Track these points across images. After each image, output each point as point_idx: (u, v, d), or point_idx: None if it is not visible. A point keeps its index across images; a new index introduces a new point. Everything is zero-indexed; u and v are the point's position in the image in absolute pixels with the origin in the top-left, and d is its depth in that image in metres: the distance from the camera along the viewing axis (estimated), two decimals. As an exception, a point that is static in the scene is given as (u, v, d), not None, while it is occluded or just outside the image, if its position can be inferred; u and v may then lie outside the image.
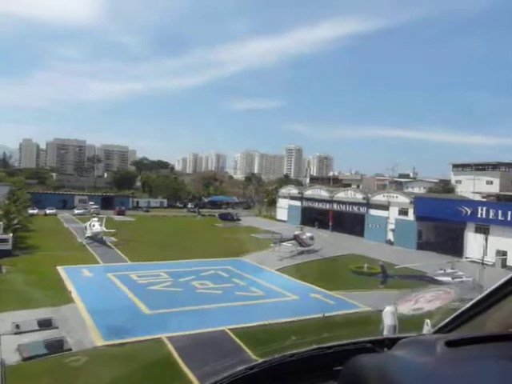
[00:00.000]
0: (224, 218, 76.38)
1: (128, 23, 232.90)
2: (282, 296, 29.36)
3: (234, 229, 67.77)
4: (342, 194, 68.05)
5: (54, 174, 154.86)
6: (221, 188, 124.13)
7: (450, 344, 1.35)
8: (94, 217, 54.01)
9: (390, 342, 1.68)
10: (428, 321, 6.48)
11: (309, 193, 77.34)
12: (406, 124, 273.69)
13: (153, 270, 35.22)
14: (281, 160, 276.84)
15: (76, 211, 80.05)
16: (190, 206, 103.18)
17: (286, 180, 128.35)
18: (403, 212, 56.54)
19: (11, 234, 39.40)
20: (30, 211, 75.97)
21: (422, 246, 52.65)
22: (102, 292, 28.02)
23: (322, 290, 30.93)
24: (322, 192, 73.23)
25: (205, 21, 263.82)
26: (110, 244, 46.79)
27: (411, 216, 55.12)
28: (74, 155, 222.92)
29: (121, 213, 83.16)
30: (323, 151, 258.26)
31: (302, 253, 47.07)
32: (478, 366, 1.25)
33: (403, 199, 57.27)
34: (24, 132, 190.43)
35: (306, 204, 76.08)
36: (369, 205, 62.19)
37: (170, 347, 19.17)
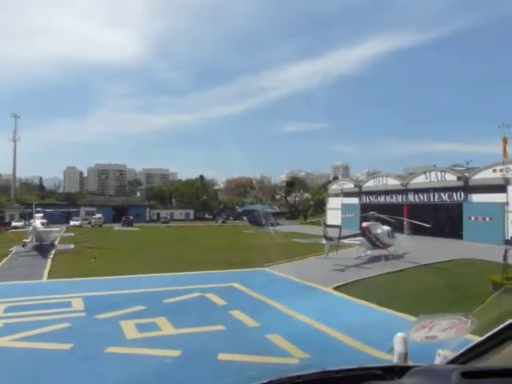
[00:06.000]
0: (255, 222, 56.52)
1: (173, 58, 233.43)
2: (358, 360, 9.29)
3: (267, 234, 48.28)
4: (420, 179, 46.93)
5: (87, 195, 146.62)
6: (259, 196, 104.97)
7: (466, 375, 1.27)
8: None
9: (400, 371, 1.56)
10: (440, 351, 2.23)
11: (369, 185, 56.60)
12: (459, 138, 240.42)
13: (65, 293, 16.34)
14: (327, 178, 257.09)
15: (72, 223, 63.89)
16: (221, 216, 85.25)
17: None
18: (536, 191, 34.99)
19: None
20: (14, 223, 61.65)
21: None
22: None
23: (472, 337, 10.56)
24: (389, 180, 52.31)
25: (248, 49, 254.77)
26: (51, 253, 28.76)
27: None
28: (115, 180, 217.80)
29: (127, 223, 66.82)
30: (372, 167, 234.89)
31: (376, 259, 26.84)
32: None
33: (534, 170, 35.60)
34: (76, 165, 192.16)
35: (366, 200, 55.38)
36: (468, 188, 40.84)
37: None
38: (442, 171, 44.54)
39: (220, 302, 15.18)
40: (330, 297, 16.59)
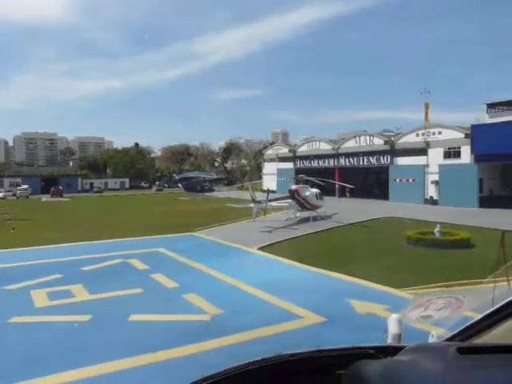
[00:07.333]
0: (190, 188, 56.19)
1: (104, 19, 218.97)
2: (270, 314, 9.75)
3: (202, 201, 48.29)
4: (351, 143, 48.42)
5: (12, 166, 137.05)
6: (196, 163, 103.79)
7: (461, 351, 1.27)
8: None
9: (394, 351, 1.55)
10: (434, 332, 2.01)
11: (303, 149, 57.59)
12: (393, 105, 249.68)
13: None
14: (267, 144, 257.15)
15: (-6, 195, 60.03)
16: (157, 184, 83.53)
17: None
18: (453, 153, 37.16)
19: None
20: None
21: (485, 203, 33.58)
22: None
23: (382, 287, 11.58)
24: (322, 145, 53.50)
25: (182, 12, 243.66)
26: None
27: (467, 157, 35.83)
28: (44, 149, 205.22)
29: (56, 194, 63.76)
30: (311, 134, 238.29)
31: (305, 220, 27.62)
32: (491, 373, 1.20)
33: (452, 133, 37.63)
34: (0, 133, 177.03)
35: (300, 165, 56.39)
36: (394, 152, 42.71)
37: None
38: (370, 136, 46.15)
39: (142, 266, 15.01)
40: (254, 257, 16.93)
